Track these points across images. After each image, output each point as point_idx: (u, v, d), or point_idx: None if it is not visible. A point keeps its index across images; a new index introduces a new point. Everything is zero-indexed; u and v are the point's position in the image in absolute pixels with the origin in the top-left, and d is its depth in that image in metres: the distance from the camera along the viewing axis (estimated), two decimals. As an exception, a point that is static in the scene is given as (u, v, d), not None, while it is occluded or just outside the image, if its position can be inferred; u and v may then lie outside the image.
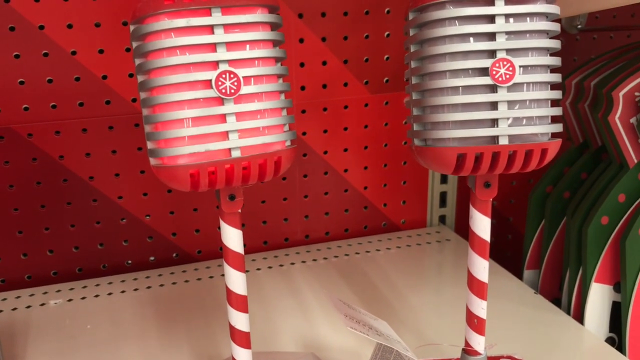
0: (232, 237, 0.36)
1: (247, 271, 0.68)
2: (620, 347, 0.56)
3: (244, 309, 0.38)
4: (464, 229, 0.82)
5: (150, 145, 0.33)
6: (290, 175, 0.72)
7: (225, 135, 0.32)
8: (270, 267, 0.69)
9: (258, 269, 0.69)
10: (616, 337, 0.57)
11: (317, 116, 0.71)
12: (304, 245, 0.75)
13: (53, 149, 0.64)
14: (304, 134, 0.71)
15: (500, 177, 0.82)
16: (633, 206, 0.55)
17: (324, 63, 0.69)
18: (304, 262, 0.70)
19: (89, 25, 0.61)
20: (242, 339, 0.38)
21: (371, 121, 0.73)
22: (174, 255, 0.71)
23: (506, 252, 0.83)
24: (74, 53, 0.62)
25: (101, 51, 0.62)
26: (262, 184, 0.71)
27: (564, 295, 0.61)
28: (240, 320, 0.38)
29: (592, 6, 0.50)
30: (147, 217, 0.69)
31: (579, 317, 0.57)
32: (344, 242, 0.75)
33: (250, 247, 0.74)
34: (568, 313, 0.59)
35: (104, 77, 0.63)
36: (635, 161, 0.55)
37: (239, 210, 0.36)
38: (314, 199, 0.74)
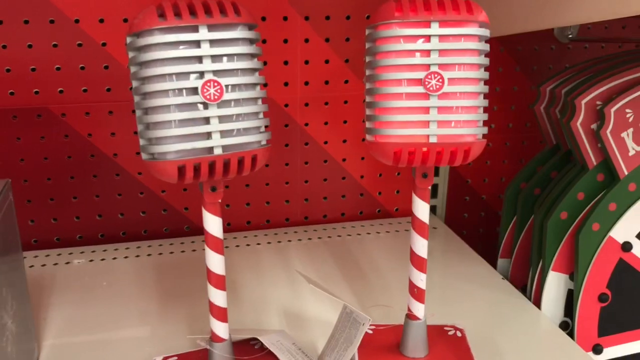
0: (213, 224, 0.42)
1: (248, 245, 0.76)
2: (572, 331, 0.62)
3: (222, 287, 0.44)
4: (453, 219, 0.88)
5: (142, 142, 0.38)
6: (292, 162, 0.80)
7: (209, 135, 0.37)
8: (269, 243, 0.77)
9: (258, 244, 0.77)
10: (570, 321, 0.63)
11: (319, 109, 0.78)
12: (303, 226, 0.82)
13: (83, 128, 0.73)
14: (306, 124, 0.78)
15: (489, 175, 0.88)
16: (590, 204, 0.61)
17: (327, 61, 0.76)
18: (300, 240, 0.78)
19: (118, 20, 0.70)
20: (220, 313, 0.44)
21: (369, 116, 0.80)
22: (186, 227, 0.80)
23: (494, 243, 0.89)
24: (104, 44, 0.70)
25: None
26: (266, 166, 0.79)
27: (528, 282, 0.67)
28: (218, 297, 0.44)
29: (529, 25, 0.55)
30: (163, 192, 0.77)
31: (538, 302, 0.63)
32: (339, 225, 0.82)
33: (254, 225, 0.82)
34: (529, 298, 0.65)
35: (130, 67, 0.71)
36: (595, 163, 0.61)
37: (219, 201, 0.42)
38: (314, 185, 0.82)
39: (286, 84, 0.76)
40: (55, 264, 0.71)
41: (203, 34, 0.36)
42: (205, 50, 0.36)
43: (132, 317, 0.59)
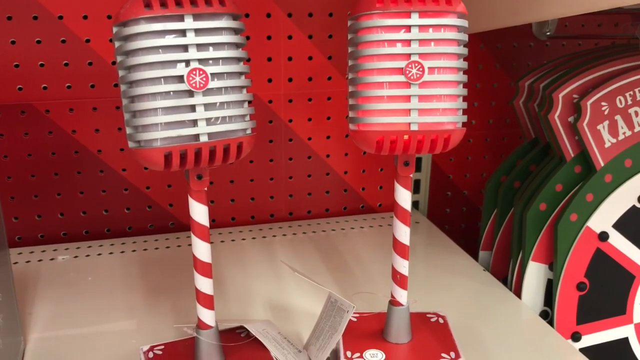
0: (199, 212, 0.42)
1: (233, 240, 0.77)
2: (552, 319, 0.63)
3: (209, 275, 0.44)
4: (435, 214, 0.90)
5: (129, 130, 0.39)
6: (276, 158, 0.80)
7: (195, 122, 0.38)
8: (254, 238, 0.78)
9: (243, 239, 0.77)
10: (550, 310, 0.64)
11: (302, 105, 0.79)
12: (288, 222, 0.83)
13: (67, 124, 0.73)
14: (290, 121, 0.79)
15: (470, 170, 0.89)
16: (568, 195, 0.62)
17: (310, 58, 0.77)
18: (284, 235, 0.78)
19: (102, 17, 0.70)
20: (207, 300, 0.45)
21: (352, 112, 0.81)
22: (170, 224, 0.80)
23: (476, 238, 0.91)
24: (88, 41, 0.70)
25: (112, 40, 0.71)
26: (251, 163, 0.79)
27: (509, 273, 0.68)
28: (205, 284, 0.44)
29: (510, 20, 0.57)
30: (147, 188, 0.78)
31: (518, 292, 0.65)
32: (323, 220, 0.83)
33: (239, 221, 0.82)
34: (510, 289, 0.66)
35: (113, 63, 0.72)
36: (572, 155, 0.62)
37: (205, 189, 0.42)
38: (298, 181, 0.82)
39: (270, 80, 0.77)
40: (40, 260, 0.71)
41: (188, 23, 0.37)
42: (191, 39, 0.37)
43: (118, 310, 0.60)
